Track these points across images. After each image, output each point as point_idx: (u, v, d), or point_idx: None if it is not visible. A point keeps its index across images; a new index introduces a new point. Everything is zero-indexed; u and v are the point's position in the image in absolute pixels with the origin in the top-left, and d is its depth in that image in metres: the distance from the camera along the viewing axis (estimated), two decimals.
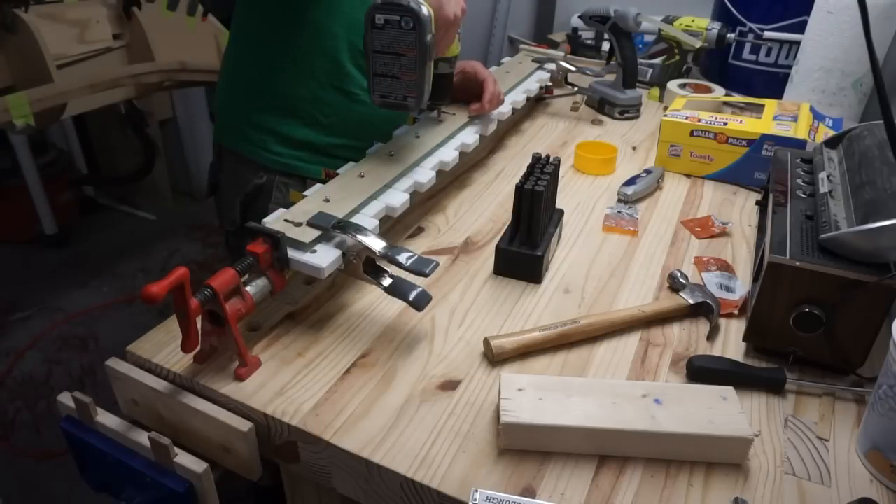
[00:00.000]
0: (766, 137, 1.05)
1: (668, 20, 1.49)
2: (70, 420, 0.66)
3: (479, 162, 1.17)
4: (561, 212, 0.92)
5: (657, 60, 1.56)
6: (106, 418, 0.65)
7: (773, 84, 1.42)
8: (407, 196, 0.84)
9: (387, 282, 0.72)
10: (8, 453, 1.74)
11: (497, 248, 0.84)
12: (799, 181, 0.84)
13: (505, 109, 1.13)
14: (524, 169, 0.86)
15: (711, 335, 0.75)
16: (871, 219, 0.65)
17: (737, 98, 1.38)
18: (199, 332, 0.65)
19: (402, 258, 0.69)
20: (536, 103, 1.45)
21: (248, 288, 0.67)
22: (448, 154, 0.95)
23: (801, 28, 1.31)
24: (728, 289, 0.83)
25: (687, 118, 1.11)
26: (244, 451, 0.63)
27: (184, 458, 0.61)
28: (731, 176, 1.10)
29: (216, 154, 1.11)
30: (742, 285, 0.83)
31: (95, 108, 1.98)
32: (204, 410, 0.63)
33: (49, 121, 1.95)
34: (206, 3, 2.09)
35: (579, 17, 1.45)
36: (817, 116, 1.14)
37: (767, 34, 1.42)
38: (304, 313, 0.76)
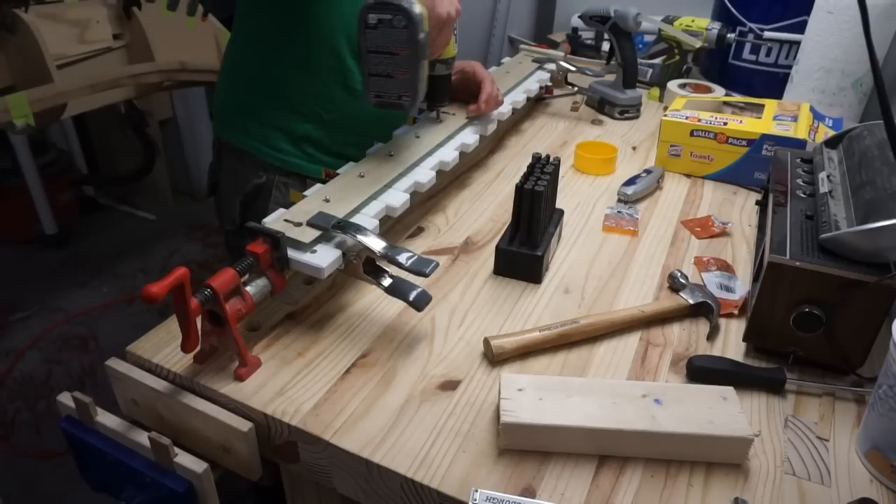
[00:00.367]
0: (766, 137, 1.05)
1: (668, 20, 1.49)
2: (70, 420, 0.66)
3: (479, 162, 1.17)
4: (561, 212, 0.92)
5: (657, 60, 1.56)
6: (106, 418, 0.65)
7: (773, 84, 1.42)
8: (407, 196, 0.84)
9: (387, 282, 0.72)
10: (8, 453, 1.74)
11: (497, 248, 0.84)
12: (799, 181, 0.84)
13: (505, 109, 1.13)
14: (524, 169, 0.86)
15: (711, 335, 0.75)
16: (871, 219, 0.65)
17: (737, 98, 1.38)
18: (199, 332, 0.65)
19: (402, 258, 0.69)
20: (536, 103, 1.45)
21: (248, 288, 0.67)
22: (448, 154, 0.95)
23: (801, 28, 1.31)
24: (728, 289, 0.83)
25: (687, 118, 1.11)
26: (244, 451, 0.63)
27: (184, 458, 0.61)
28: (731, 176, 1.10)
29: (216, 153, 1.11)
30: (742, 285, 0.83)
31: (95, 108, 1.98)
32: (204, 410, 0.63)
33: (49, 121, 1.95)
34: (206, 3, 2.09)
35: (579, 17, 1.45)
36: (817, 116, 1.14)
37: (767, 34, 1.42)
38: (304, 313, 0.76)
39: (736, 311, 0.79)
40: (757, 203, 1.03)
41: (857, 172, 0.78)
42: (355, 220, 0.77)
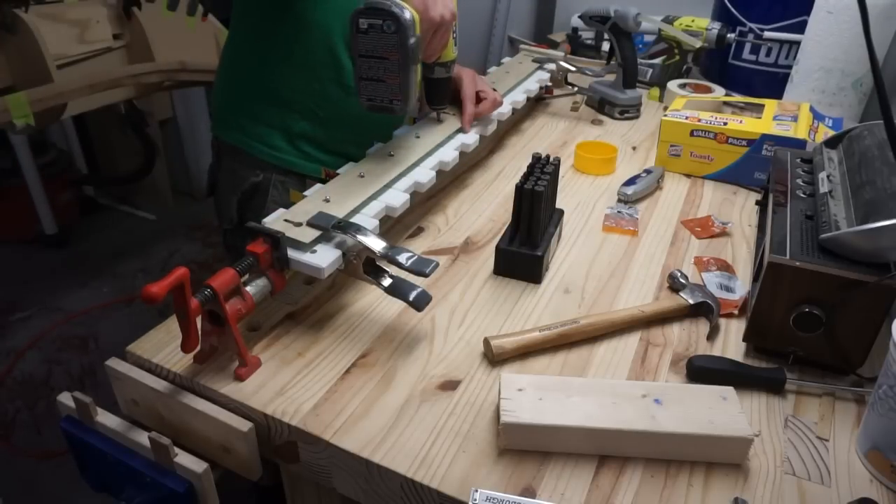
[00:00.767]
0: (766, 137, 1.05)
1: (668, 20, 1.49)
2: (70, 420, 0.66)
3: (479, 162, 1.17)
4: (561, 212, 0.92)
5: (657, 60, 1.56)
6: (106, 418, 0.65)
7: (773, 84, 1.42)
8: (407, 196, 0.84)
9: (387, 282, 0.72)
10: (8, 453, 1.74)
11: (497, 248, 0.84)
12: (799, 181, 0.84)
13: (505, 109, 1.13)
14: (524, 169, 0.86)
15: (711, 335, 0.75)
16: (871, 219, 0.65)
17: (737, 98, 1.38)
18: (199, 332, 0.65)
19: (402, 258, 0.69)
20: (536, 103, 1.45)
21: (248, 288, 0.67)
22: (448, 154, 0.95)
23: (801, 28, 1.31)
24: (728, 289, 0.83)
25: (687, 118, 1.11)
26: (244, 451, 0.63)
27: (184, 458, 0.61)
28: (731, 176, 1.10)
29: (214, 153, 1.11)
30: (742, 285, 0.83)
31: (95, 108, 1.98)
32: (204, 410, 0.63)
33: (49, 121, 1.95)
34: (206, 3, 2.09)
35: (579, 17, 1.45)
36: (817, 116, 1.14)
37: (767, 34, 1.42)
38: (304, 313, 0.76)
39: (736, 311, 0.79)
40: (757, 203, 1.03)
41: (857, 172, 0.78)
42: (355, 220, 0.77)
